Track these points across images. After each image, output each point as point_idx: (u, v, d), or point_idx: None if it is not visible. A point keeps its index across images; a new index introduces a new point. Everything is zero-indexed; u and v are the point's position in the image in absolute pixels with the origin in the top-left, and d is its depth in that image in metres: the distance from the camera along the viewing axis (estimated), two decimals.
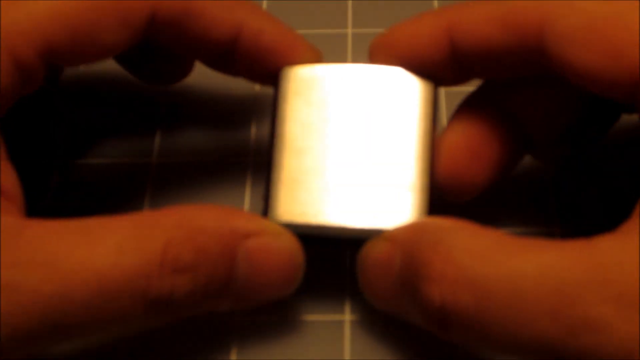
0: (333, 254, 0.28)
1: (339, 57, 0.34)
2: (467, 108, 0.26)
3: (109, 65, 0.30)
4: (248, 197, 0.30)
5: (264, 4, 0.36)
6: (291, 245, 0.23)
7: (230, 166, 0.31)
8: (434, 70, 0.25)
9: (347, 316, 0.27)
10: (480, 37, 0.23)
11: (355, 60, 0.33)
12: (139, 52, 0.28)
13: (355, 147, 0.24)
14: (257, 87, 0.33)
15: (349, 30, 0.35)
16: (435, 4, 0.36)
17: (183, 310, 0.22)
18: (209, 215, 0.22)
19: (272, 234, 0.23)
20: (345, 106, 0.25)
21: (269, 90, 0.33)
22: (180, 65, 0.30)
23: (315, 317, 0.27)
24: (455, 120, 0.26)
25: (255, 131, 0.32)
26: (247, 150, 0.31)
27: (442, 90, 0.32)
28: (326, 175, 0.24)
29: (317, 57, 0.26)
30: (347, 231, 0.24)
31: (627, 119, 0.27)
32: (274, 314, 0.27)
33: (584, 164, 0.29)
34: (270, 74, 0.26)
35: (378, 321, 0.26)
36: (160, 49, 0.27)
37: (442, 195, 0.25)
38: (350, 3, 0.36)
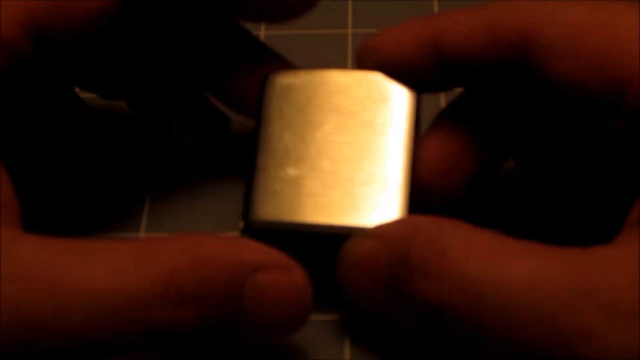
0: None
1: (339, 57, 0.34)
2: (446, 117, 0.26)
3: None
4: None
5: None
6: (301, 281, 0.22)
7: (230, 166, 0.31)
8: (419, 76, 0.25)
9: (346, 316, 0.27)
10: (465, 46, 0.23)
11: (355, 59, 0.33)
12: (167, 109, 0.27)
13: (337, 151, 0.25)
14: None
15: (349, 30, 0.35)
16: (435, 4, 0.36)
17: (186, 343, 0.21)
18: (217, 245, 0.21)
19: (282, 267, 0.22)
20: (327, 111, 0.25)
21: None
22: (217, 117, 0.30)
23: (315, 317, 0.27)
24: (433, 129, 0.26)
25: None
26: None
27: (442, 95, 0.32)
28: (308, 177, 0.24)
29: None
30: (328, 229, 0.24)
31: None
32: None
33: (578, 165, 0.29)
34: None
35: (378, 321, 0.26)
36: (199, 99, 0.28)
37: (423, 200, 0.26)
38: (350, 3, 0.36)
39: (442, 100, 0.32)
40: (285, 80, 0.26)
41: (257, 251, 0.22)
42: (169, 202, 0.30)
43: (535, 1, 0.23)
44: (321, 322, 0.26)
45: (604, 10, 0.22)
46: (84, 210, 0.30)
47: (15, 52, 0.22)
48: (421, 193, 0.25)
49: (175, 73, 0.29)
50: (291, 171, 0.25)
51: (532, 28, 0.22)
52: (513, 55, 0.23)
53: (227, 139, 0.31)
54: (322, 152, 0.25)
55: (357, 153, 0.25)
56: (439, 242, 0.21)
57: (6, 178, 0.22)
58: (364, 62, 0.25)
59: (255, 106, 0.26)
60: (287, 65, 0.28)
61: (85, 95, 0.30)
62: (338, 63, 0.34)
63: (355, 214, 0.24)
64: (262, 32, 0.35)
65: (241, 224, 0.25)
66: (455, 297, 0.20)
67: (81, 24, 0.23)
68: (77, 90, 0.30)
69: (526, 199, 0.29)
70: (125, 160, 0.31)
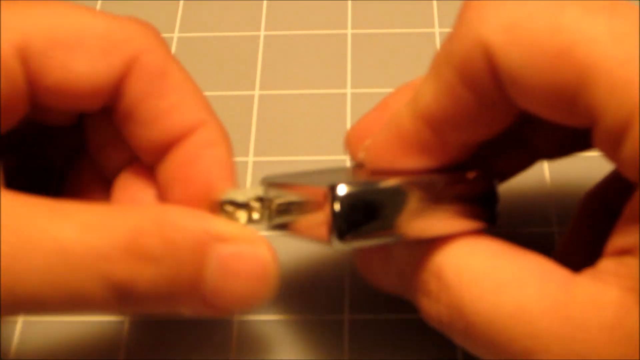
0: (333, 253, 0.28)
1: (338, 57, 0.34)
2: None
3: None
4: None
5: (264, 5, 0.36)
6: (266, 255, 0.22)
7: None
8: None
9: (346, 316, 0.27)
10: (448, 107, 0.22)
11: (355, 59, 0.34)
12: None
13: None
14: (257, 87, 0.33)
15: (349, 31, 0.35)
16: (435, 4, 0.36)
17: (146, 303, 0.21)
18: (184, 214, 0.21)
19: (248, 241, 0.22)
20: None
21: (269, 90, 0.33)
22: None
23: (315, 316, 0.27)
24: None
25: (255, 131, 0.32)
26: (247, 150, 0.31)
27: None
28: None
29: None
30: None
31: None
32: (274, 313, 0.27)
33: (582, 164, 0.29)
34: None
35: (378, 321, 0.26)
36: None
37: None
38: (350, 3, 0.36)
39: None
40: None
41: (224, 224, 0.22)
42: None
43: None
44: (321, 322, 0.27)
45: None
46: None
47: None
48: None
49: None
50: None
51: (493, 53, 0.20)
52: (487, 86, 0.21)
53: None
54: None
55: None
56: (436, 263, 0.21)
57: None
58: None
59: None
60: None
61: None
62: (337, 63, 0.34)
63: None
64: (262, 32, 0.35)
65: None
66: (453, 321, 0.21)
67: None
68: None
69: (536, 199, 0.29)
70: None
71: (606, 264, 0.20)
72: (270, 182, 0.24)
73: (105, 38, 0.23)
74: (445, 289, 0.21)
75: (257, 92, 0.33)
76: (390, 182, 0.21)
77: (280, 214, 0.23)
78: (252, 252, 0.22)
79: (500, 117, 0.21)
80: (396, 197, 0.21)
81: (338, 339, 0.26)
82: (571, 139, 0.25)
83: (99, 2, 0.36)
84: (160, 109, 0.24)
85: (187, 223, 0.21)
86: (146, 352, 0.26)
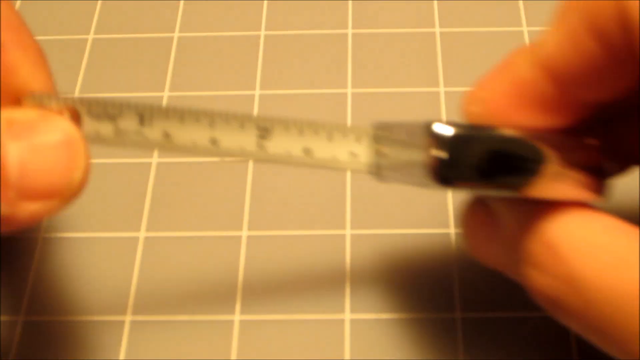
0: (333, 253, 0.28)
1: (338, 57, 0.34)
2: None
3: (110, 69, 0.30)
4: (248, 197, 0.30)
5: (264, 5, 0.36)
6: (68, 125, 0.21)
7: (230, 164, 0.31)
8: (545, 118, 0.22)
9: (347, 315, 0.27)
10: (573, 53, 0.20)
11: (355, 59, 0.34)
12: None
13: None
14: (257, 86, 0.33)
15: (349, 31, 0.35)
16: (435, 4, 0.36)
17: None
18: None
19: (43, 131, 0.20)
20: None
21: (269, 89, 0.33)
22: None
23: (316, 316, 0.27)
24: None
25: None
26: None
27: (442, 90, 0.32)
28: None
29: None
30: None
31: None
32: (274, 313, 0.27)
33: None
34: None
35: (380, 321, 0.26)
36: None
37: None
38: (350, 3, 0.36)
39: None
40: None
41: (21, 111, 0.21)
42: (169, 202, 0.30)
43: None
44: (321, 321, 0.27)
45: None
46: (85, 209, 0.30)
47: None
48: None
49: None
50: None
51: (629, 11, 0.19)
52: (619, 45, 0.20)
53: None
54: None
55: None
56: (548, 234, 0.20)
57: None
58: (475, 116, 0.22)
59: None
60: None
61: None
62: (338, 63, 0.34)
63: None
64: (262, 31, 0.35)
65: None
66: (568, 296, 0.19)
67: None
68: None
69: None
70: (127, 163, 0.31)
71: None
72: (379, 125, 0.22)
73: None
74: (558, 261, 0.20)
75: (257, 92, 0.33)
76: (508, 132, 0.20)
77: (385, 153, 0.22)
78: (49, 139, 0.20)
79: (626, 77, 0.20)
80: (513, 146, 0.20)
81: (339, 339, 0.26)
82: None
83: (99, 2, 0.36)
84: None
85: None
86: (146, 352, 0.26)
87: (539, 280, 0.20)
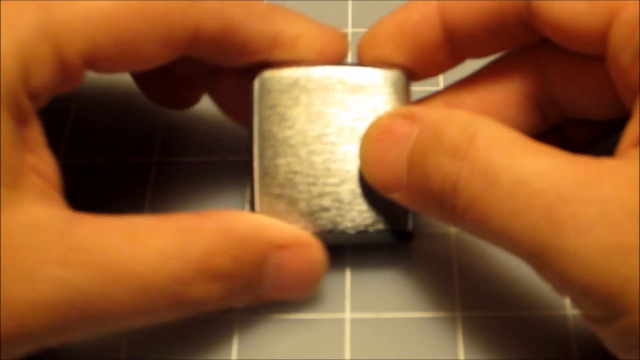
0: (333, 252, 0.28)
1: None
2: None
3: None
4: (248, 196, 0.30)
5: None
6: (318, 257, 0.25)
7: (230, 166, 0.31)
8: (430, 55, 0.26)
9: (347, 315, 0.27)
10: (471, 11, 0.25)
11: (355, 58, 0.33)
12: (157, 74, 0.28)
13: (335, 146, 0.26)
14: None
15: (349, 30, 0.35)
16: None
17: (209, 309, 0.23)
18: (247, 224, 0.24)
19: (303, 245, 0.25)
20: (322, 107, 0.26)
21: None
22: (192, 92, 0.31)
23: (316, 315, 0.27)
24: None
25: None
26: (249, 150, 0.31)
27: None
28: (309, 178, 0.25)
29: (344, 50, 0.27)
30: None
31: None
32: (274, 312, 0.27)
33: None
34: None
35: (379, 320, 0.26)
36: (176, 74, 0.28)
37: None
38: (350, 3, 0.36)
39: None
40: (278, 77, 0.26)
41: (283, 230, 0.25)
42: (169, 201, 0.30)
43: None
44: (321, 321, 0.27)
45: None
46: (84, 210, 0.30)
47: (68, 76, 0.23)
48: None
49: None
50: (291, 172, 0.25)
51: None
52: (516, 9, 0.24)
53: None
54: (320, 151, 0.26)
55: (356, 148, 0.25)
56: (471, 128, 0.22)
57: (51, 156, 0.23)
58: (369, 52, 0.27)
59: (240, 111, 0.27)
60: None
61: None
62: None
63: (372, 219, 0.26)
64: None
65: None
66: (474, 177, 0.21)
67: (133, 68, 0.25)
68: None
69: None
70: (127, 163, 0.31)
71: (627, 151, 0.21)
72: None
73: None
74: (474, 147, 0.22)
75: None
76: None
77: None
78: (306, 255, 0.25)
79: (509, 44, 0.26)
80: None
81: (339, 338, 0.26)
82: (602, 131, 0.28)
83: None
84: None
85: (252, 235, 0.24)
86: (146, 352, 0.26)
87: (449, 166, 0.22)
